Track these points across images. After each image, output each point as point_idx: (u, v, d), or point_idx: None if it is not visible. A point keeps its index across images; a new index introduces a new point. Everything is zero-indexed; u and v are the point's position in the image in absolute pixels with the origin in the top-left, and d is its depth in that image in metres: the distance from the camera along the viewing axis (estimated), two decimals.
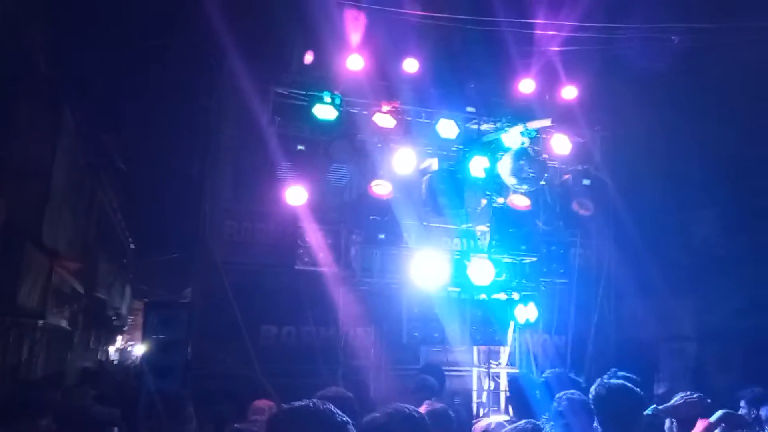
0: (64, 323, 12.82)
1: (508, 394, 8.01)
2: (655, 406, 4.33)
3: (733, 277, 9.73)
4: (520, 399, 5.40)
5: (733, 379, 8.23)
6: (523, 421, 4.02)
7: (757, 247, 9.77)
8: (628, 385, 3.83)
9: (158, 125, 12.14)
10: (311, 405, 2.22)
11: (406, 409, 2.78)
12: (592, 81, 9.12)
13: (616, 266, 9.97)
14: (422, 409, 4.58)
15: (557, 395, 4.38)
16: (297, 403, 2.24)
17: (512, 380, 6.77)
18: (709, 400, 4.16)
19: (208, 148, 9.14)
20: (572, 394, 4.34)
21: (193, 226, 9.64)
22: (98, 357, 19.77)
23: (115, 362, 22.09)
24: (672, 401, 4.28)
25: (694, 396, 4.21)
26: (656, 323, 9.93)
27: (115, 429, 3.96)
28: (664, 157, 10.49)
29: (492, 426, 5.16)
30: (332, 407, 2.23)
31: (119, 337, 25.27)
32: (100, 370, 14.88)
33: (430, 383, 6.00)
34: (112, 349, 24.24)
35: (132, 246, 21.57)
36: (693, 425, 3.93)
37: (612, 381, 3.90)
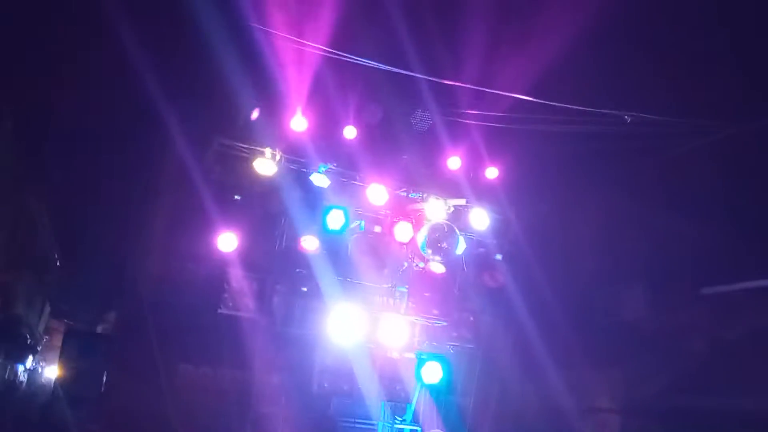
0: None
1: None
2: None
3: (658, 354, 9.79)
4: None
5: None
6: None
7: (681, 327, 9.79)
8: None
9: (102, 151, 12.32)
10: None
11: None
12: (522, 159, 9.82)
13: (531, 336, 10.14)
14: None
15: None
16: None
17: None
18: None
19: (148, 186, 9.45)
20: None
21: (122, 257, 9.84)
22: (5, 376, 19.04)
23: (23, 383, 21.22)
24: None
25: None
26: (573, 394, 10.07)
27: None
28: (596, 234, 10.89)
29: None
30: None
31: (30, 357, 24.31)
32: None
33: None
34: (21, 369, 23.27)
35: (58, 263, 21.12)
36: None
37: None
